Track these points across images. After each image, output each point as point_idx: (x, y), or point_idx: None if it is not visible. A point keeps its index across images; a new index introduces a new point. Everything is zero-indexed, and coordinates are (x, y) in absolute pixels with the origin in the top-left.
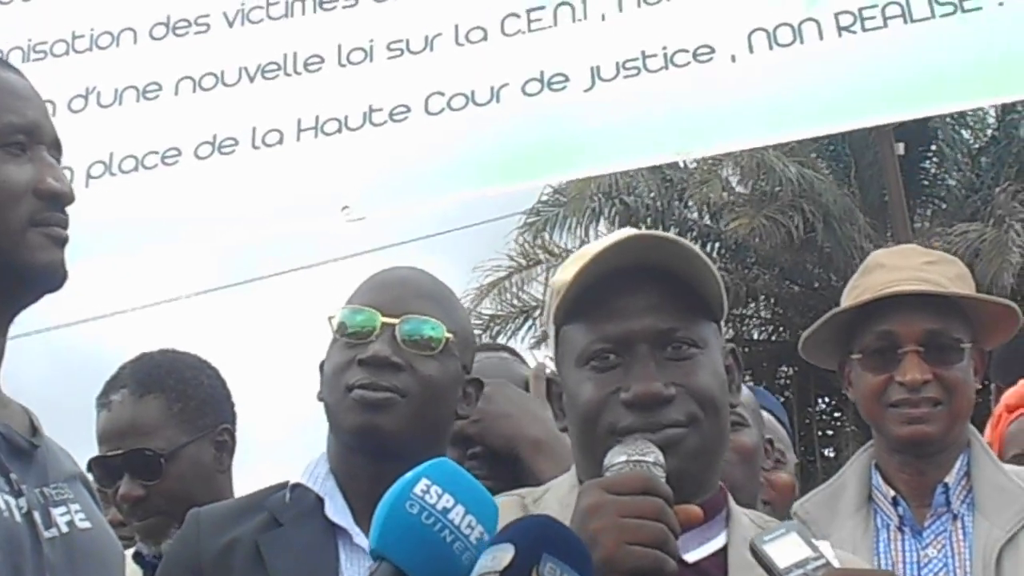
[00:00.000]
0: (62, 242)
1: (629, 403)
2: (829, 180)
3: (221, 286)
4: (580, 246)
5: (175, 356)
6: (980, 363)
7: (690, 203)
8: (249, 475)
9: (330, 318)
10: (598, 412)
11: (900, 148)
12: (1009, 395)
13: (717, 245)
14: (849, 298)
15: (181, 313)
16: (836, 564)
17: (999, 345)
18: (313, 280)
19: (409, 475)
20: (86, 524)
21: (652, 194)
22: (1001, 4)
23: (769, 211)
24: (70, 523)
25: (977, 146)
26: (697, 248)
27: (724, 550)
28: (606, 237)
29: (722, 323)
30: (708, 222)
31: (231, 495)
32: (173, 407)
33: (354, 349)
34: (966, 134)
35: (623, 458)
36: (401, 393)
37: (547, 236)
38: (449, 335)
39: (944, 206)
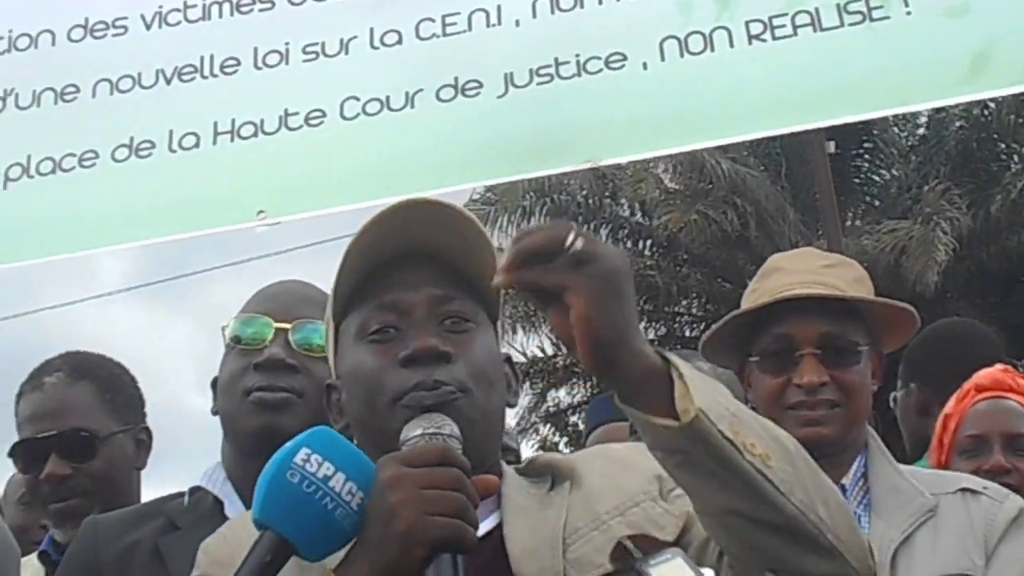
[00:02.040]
0: None
1: (407, 360)
2: (762, 177)
3: (137, 285)
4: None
5: (102, 355)
6: (878, 365)
7: (622, 200)
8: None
9: (223, 329)
10: (379, 379)
11: (831, 146)
12: (982, 375)
13: (649, 242)
14: (748, 301)
15: (96, 313)
16: None
17: (914, 346)
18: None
19: (289, 444)
20: None
21: (584, 192)
22: (909, 13)
23: (701, 207)
24: None
25: (909, 144)
26: (478, 226)
27: (499, 527)
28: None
29: (498, 327)
30: (640, 219)
31: (139, 497)
32: (105, 395)
33: (249, 355)
34: (898, 132)
35: (419, 431)
36: (298, 393)
37: None
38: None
39: (876, 203)
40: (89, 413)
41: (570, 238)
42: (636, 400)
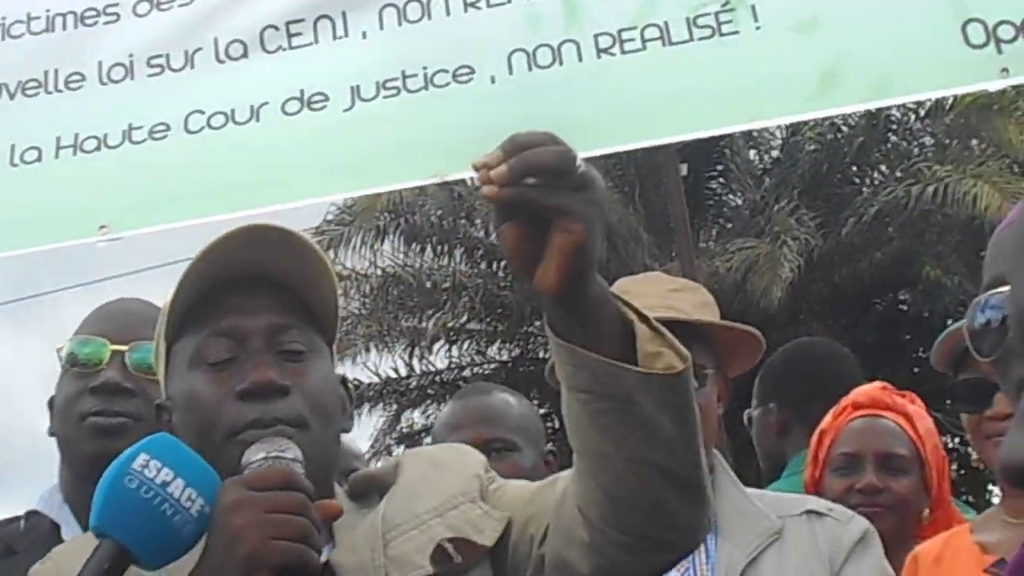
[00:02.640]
0: None
1: (244, 393)
2: (615, 199)
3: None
4: (367, 265)
5: None
6: (724, 389)
7: (477, 221)
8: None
9: (58, 350)
10: (215, 413)
11: (684, 169)
12: (860, 392)
13: (503, 263)
14: None
15: None
16: None
17: (773, 365)
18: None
19: (128, 451)
20: None
21: (439, 212)
22: (759, 28)
23: None
24: None
25: (762, 167)
26: (318, 252)
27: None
28: (223, 234)
29: (333, 349)
30: (495, 240)
31: None
32: None
33: (85, 379)
34: (752, 155)
35: (262, 455)
36: (135, 418)
37: (332, 255)
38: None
39: (729, 225)
40: None
41: (579, 160)
42: (594, 339)
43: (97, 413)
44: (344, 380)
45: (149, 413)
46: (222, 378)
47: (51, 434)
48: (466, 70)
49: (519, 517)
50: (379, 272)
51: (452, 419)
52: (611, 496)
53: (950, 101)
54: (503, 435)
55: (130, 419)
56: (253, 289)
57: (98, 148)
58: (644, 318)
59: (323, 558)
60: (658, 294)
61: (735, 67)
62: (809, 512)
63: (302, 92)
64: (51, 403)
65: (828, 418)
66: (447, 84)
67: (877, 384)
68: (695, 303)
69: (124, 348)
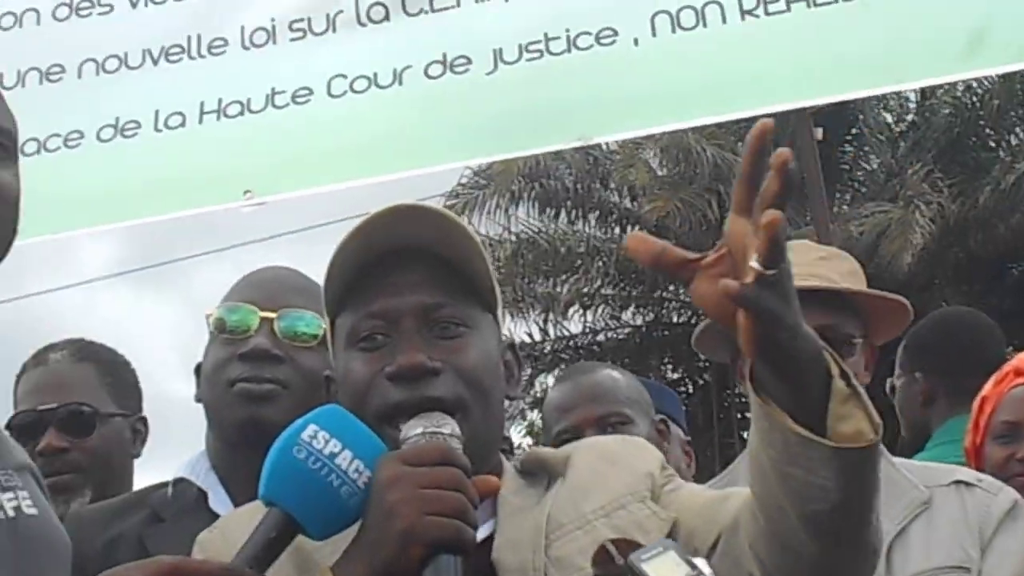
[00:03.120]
0: None
1: (392, 376)
2: None
3: (129, 270)
4: (500, 231)
5: (105, 344)
6: (870, 357)
7: (611, 186)
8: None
9: (207, 316)
10: (366, 391)
11: (819, 133)
12: (1022, 359)
13: (638, 227)
14: None
15: (81, 300)
16: None
17: (919, 334)
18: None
19: (299, 421)
20: (33, 511)
21: (573, 177)
22: None
23: (685, 194)
24: (17, 508)
25: (898, 130)
26: (467, 228)
27: (492, 536)
28: (370, 214)
29: (500, 316)
30: (629, 205)
31: (132, 486)
32: (106, 378)
33: (233, 345)
34: (887, 118)
35: (419, 430)
36: (283, 384)
37: (465, 219)
38: (326, 327)
39: (863, 190)
40: (90, 391)
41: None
42: (794, 393)
43: (246, 379)
44: (512, 346)
45: (297, 381)
46: (375, 358)
47: (198, 400)
48: (609, 32)
49: (686, 523)
50: (513, 237)
51: (562, 401)
52: (783, 545)
53: None
54: (616, 409)
55: (278, 386)
56: (405, 267)
57: (241, 113)
58: (845, 375)
59: (485, 533)
60: (806, 262)
61: (880, 29)
62: (958, 482)
63: (444, 55)
64: (198, 369)
65: (989, 384)
66: (590, 47)
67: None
68: (843, 271)
69: (273, 315)
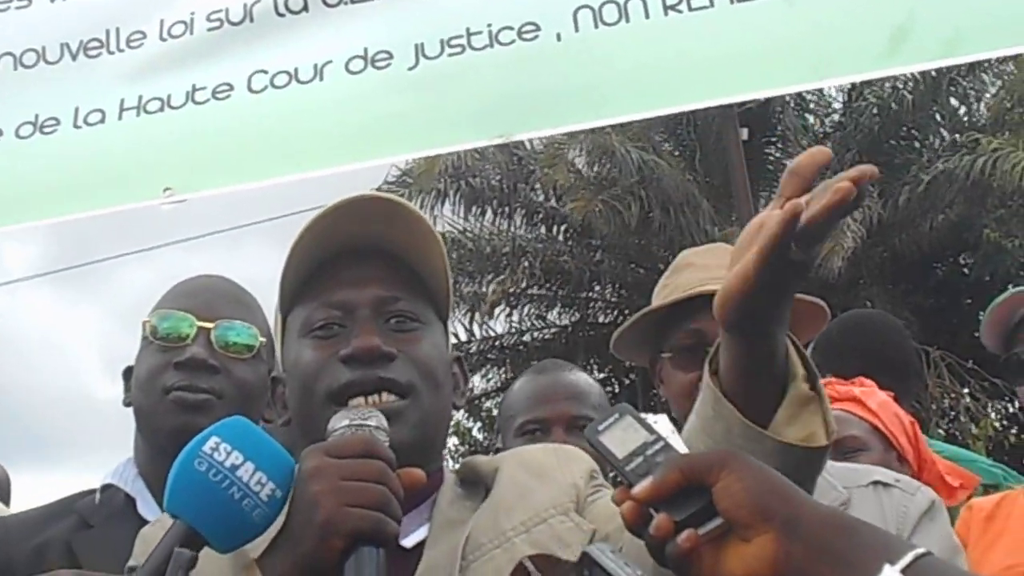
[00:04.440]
0: None
1: (346, 358)
2: (672, 166)
3: (52, 271)
4: None
5: None
6: None
7: (536, 185)
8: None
9: (144, 322)
10: (316, 374)
11: (744, 133)
12: (867, 390)
13: (563, 227)
14: (659, 297)
15: (9, 300)
16: (675, 440)
17: (829, 335)
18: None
19: (201, 434)
20: None
21: (499, 176)
22: None
23: (607, 196)
24: None
25: (822, 131)
26: (427, 224)
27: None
28: (333, 203)
29: (448, 326)
30: (554, 204)
31: None
32: None
33: (168, 353)
34: (811, 119)
35: (345, 422)
36: (218, 395)
37: None
38: (262, 339)
39: None
40: None
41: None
42: (743, 396)
43: (181, 388)
44: (459, 359)
45: (231, 391)
46: (328, 344)
47: (127, 404)
48: (531, 27)
49: (602, 530)
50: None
51: (536, 393)
52: None
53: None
54: (588, 413)
55: (213, 396)
56: (362, 261)
57: (162, 109)
58: (812, 376)
59: (418, 538)
60: (723, 265)
61: (804, 25)
62: (876, 483)
63: (366, 50)
64: (127, 373)
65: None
66: (512, 42)
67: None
68: None
69: (210, 325)
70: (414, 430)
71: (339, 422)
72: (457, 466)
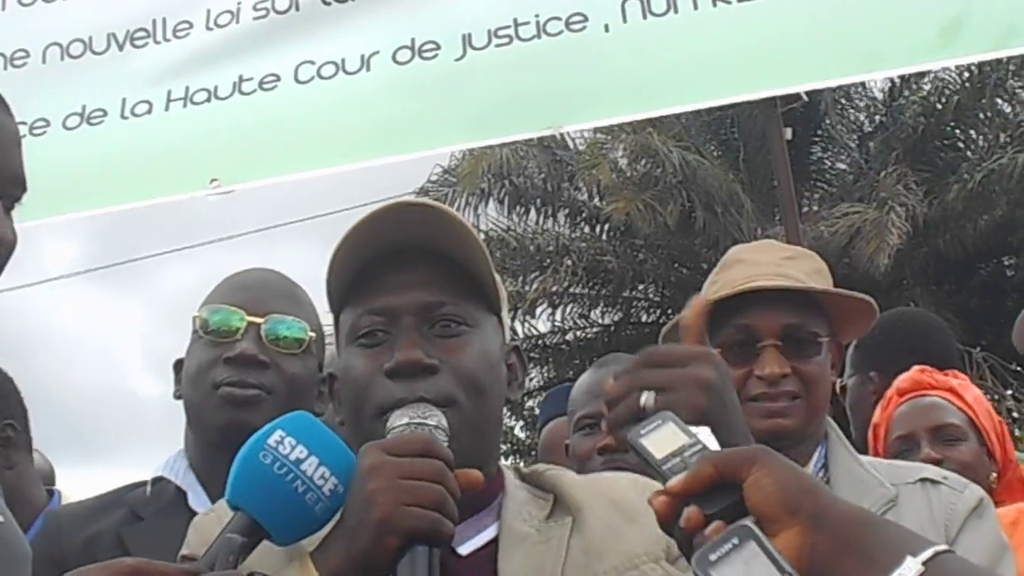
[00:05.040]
0: None
1: (390, 372)
2: (715, 165)
3: (93, 268)
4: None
5: None
6: (837, 356)
7: (580, 184)
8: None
9: (194, 317)
10: (365, 388)
11: (788, 133)
12: (902, 379)
13: (607, 227)
14: (708, 293)
15: (50, 297)
16: (713, 444)
17: (873, 334)
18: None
19: (266, 427)
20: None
21: (542, 175)
22: None
23: (648, 196)
24: None
25: (867, 131)
26: (468, 226)
27: (495, 541)
28: (374, 209)
29: (504, 318)
30: (598, 203)
31: (28, 491)
32: None
33: (219, 348)
34: (855, 118)
35: (405, 420)
36: (267, 390)
37: None
38: (312, 334)
39: (832, 190)
40: None
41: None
42: None
43: (231, 384)
44: (516, 348)
45: (281, 387)
46: (374, 355)
47: (177, 397)
48: (579, 18)
49: None
50: (482, 235)
51: (592, 387)
52: None
53: None
54: None
55: (263, 391)
56: (406, 264)
57: (208, 100)
58: None
59: (484, 540)
60: (772, 262)
61: (855, 15)
62: (924, 480)
63: (413, 41)
64: (177, 366)
65: (877, 412)
66: (560, 32)
67: (916, 368)
68: (808, 270)
69: (260, 320)
70: (455, 443)
71: (398, 420)
72: (516, 469)
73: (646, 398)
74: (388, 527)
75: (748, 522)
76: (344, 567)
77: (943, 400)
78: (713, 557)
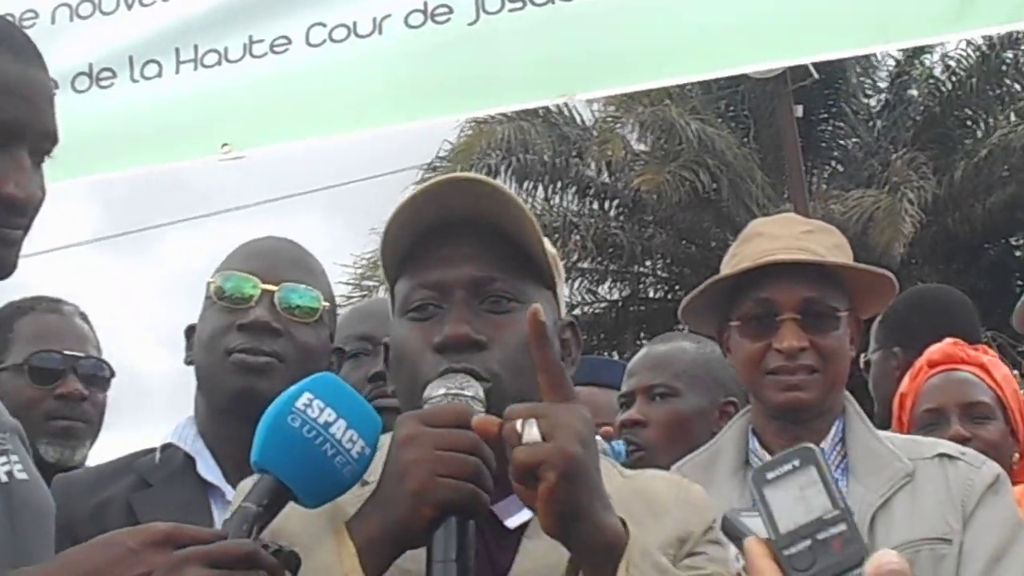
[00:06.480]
0: (11, 242)
1: (439, 347)
2: (729, 137)
3: (106, 236)
4: None
5: None
6: (856, 331)
7: (588, 160)
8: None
9: (208, 283)
10: (416, 362)
11: (799, 110)
12: (934, 351)
13: (616, 202)
14: (728, 266)
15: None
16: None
17: (896, 310)
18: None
19: (293, 388)
20: (23, 476)
21: (550, 152)
22: None
23: (673, 167)
24: (9, 473)
25: (874, 109)
26: (520, 202)
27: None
28: (426, 183)
29: (560, 292)
30: (606, 179)
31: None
32: (98, 343)
33: (232, 314)
34: (865, 97)
35: (442, 391)
36: (280, 358)
37: None
38: (325, 304)
39: (841, 168)
40: (99, 351)
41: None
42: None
43: (244, 350)
44: (572, 324)
45: (293, 355)
46: (424, 328)
47: (188, 362)
48: None
49: None
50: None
51: (629, 367)
52: None
53: None
54: (664, 381)
55: (275, 359)
56: (459, 238)
57: (219, 63)
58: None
59: (524, 519)
60: (792, 235)
61: None
62: (941, 455)
63: (425, 4)
64: (189, 332)
65: (905, 381)
66: None
67: (948, 341)
68: (828, 245)
69: (274, 288)
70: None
71: (435, 390)
72: None
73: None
74: (423, 498)
75: (813, 446)
76: (379, 537)
77: (975, 377)
78: (771, 476)
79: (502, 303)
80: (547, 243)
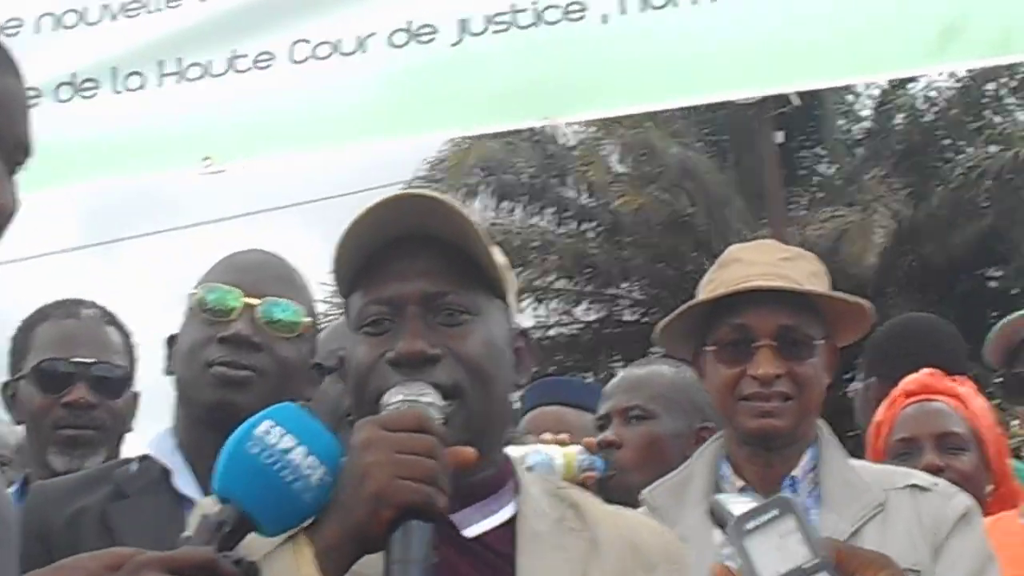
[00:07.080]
0: None
1: (393, 361)
2: (709, 163)
3: (82, 246)
4: None
5: None
6: (831, 359)
7: (568, 180)
8: None
9: (190, 294)
10: (367, 375)
11: (779, 136)
12: (909, 381)
13: (594, 224)
14: (705, 291)
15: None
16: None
17: (878, 340)
18: (177, 245)
19: (254, 418)
20: None
21: (531, 170)
22: None
23: (653, 190)
24: None
25: (855, 137)
26: (466, 215)
27: (511, 522)
28: (376, 200)
29: (512, 301)
30: (585, 201)
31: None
32: (127, 346)
33: (214, 327)
34: (844, 124)
35: (400, 397)
36: (259, 372)
37: None
38: (307, 319)
39: (820, 195)
40: (119, 356)
41: None
42: None
43: (224, 363)
44: (524, 332)
45: (273, 369)
46: (378, 343)
47: (168, 373)
48: (577, 7)
49: None
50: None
51: (606, 389)
52: None
53: None
54: (641, 403)
55: (255, 373)
56: (411, 254)
57: (202, 76)
58: None
59: (482, 530)
60: (770, 262)
61: (855, 19)
62: (913, 486)
63: (409, 23)
64: (170, 342)
65: (881, 410)
66: (557, 21)
67: (926, 371)
68: (806, 272)
69: (256, 301)
70: (463, 432)
71: (393, 396)
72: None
73: None
74: (382, 500)
75: (790, 496)
76: (338, 541)
77: (950, 408)
78: (750, 526)
79: (455, 315)
80: (497, 252)
